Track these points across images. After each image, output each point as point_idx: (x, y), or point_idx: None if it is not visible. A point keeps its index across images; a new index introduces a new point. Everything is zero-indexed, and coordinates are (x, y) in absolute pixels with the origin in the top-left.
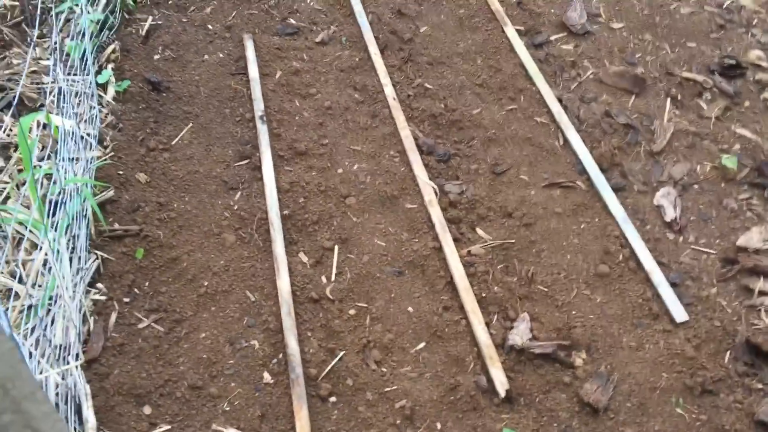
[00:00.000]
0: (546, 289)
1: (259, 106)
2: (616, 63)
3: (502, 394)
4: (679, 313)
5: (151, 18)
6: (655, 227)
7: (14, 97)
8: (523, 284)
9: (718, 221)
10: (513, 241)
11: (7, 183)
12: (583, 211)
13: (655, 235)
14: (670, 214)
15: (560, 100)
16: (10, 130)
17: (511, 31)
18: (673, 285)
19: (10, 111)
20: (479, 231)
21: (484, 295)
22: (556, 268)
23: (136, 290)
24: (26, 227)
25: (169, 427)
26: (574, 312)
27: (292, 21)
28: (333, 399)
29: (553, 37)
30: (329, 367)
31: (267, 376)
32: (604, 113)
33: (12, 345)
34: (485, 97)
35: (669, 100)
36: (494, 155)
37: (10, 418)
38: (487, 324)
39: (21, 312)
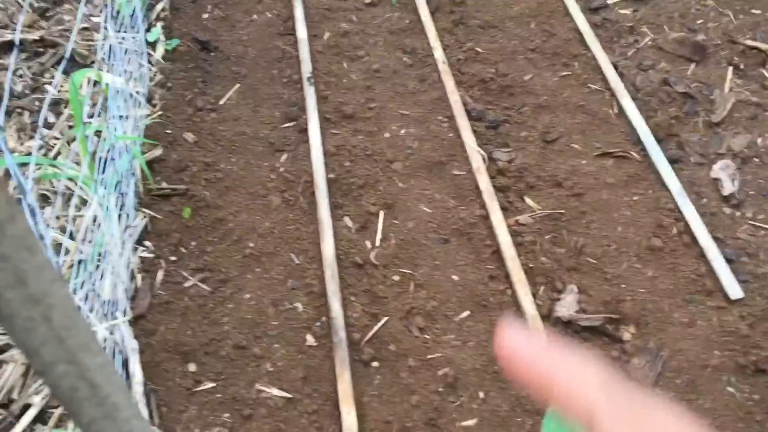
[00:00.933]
0: (595, 262)
1: (306, 68)
2: (676, 29)
3: None
4: (734, 290)
5: None
6: (711, 201)
7: (67, 53)
8: (571, 255)
9: None
10: (562, 211)
11: (57, 139)
12: (637, 182)
13: (711, 209)
14: (727, 187)
15: (616, 67)
16: (61, 86)
17: None
18: (729, 261)
19: (61, 67)
20: (528, 200)
21: (531, 265)
22: (607, 240)
23: (182, 249)
24: (76, 183)
25: (213, 384)
26: (623, 285)
27: None
28: (375, 364)
29: (610, 1)
30: (372, 332)
31: (310, 339)
32: (661, 81)
33: (68, 292)
34: (538, 62)
35: (731, 69)
36: (545, 123)
37: (65, 368)
38: (534, 295)
39: (71, 267)
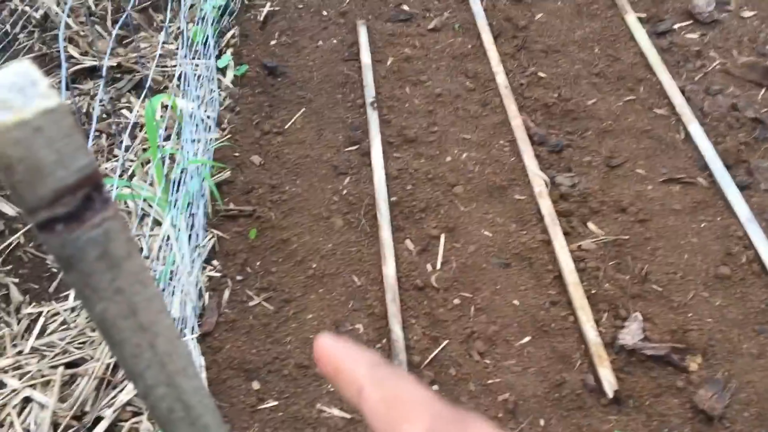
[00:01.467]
0: (660, 289)
1: (370, 93)
2: (746, 53)
3: (610, 394)
4: None
5: (269, 4)
6: None
7: (143, 79)
8: (636, 282)
9: None
10: (627, 237)
11: (132, 161)
12: (704, 209)
13: None
14: None
15: (683, 92)
16: (138, 111)
17: (631, 18)
18: None
19: (142, 93)
20: (591, 225)
21: (593, 291)
22: (672, 268)
23: (248, 269)
24: (150, 205)
25: (276, 403)
26: (690, 314)
27: (405, 7)
28: (435, 387)
29: (677, 26)
30: (432, 355)
31: None
32: (730, 106)
33: (172, 321)
34: (602, 87)
35: None
36: (609, 147)
37: (165, 390)
38: (597, 322)
39: None
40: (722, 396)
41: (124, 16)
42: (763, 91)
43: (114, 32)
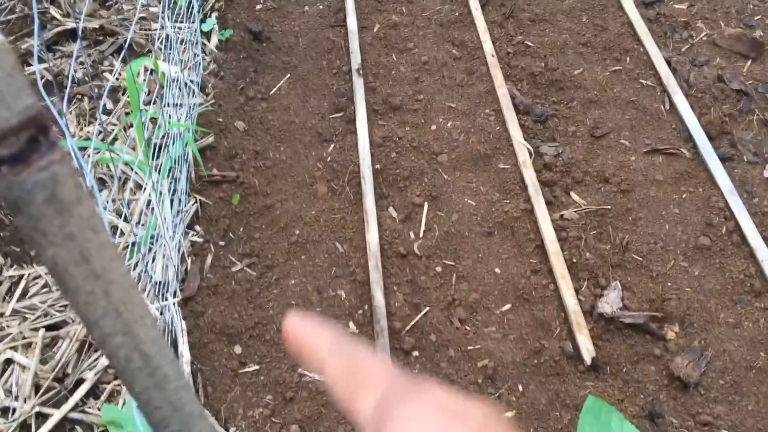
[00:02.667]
0: (641, 259)
1: (356, 59)
2: (733, 25)
3: (588, 361)
4: None
5: None
6: (763, 201)
7: (125, 42)
8: (616, 252)
9: None
10: (609, 207)
11: (115, 125)
12: (686, 180)
13: (762, 208)
14: None
15: (669, 63)
16: (119, 74)
17: None
18: None
19: (120, 55)
20: (573, 195)
21: (574, 260)
22: (653, 238)
23: (231, 234)
24: (132, 168)
25: (257, 367)
26: (669, 284)
27: None
28: (416, 353)
29: None
30: (413, 322)
31: (352, 326)
32: (716, 78)
33: (127, 269)
34: (588, 56)
35: None
36: (594, 118)
37: (122, 339)
38: (576, 290)
39: (125, 249)
40: (698, 364)
41: None
42: (749, 62)
43: None
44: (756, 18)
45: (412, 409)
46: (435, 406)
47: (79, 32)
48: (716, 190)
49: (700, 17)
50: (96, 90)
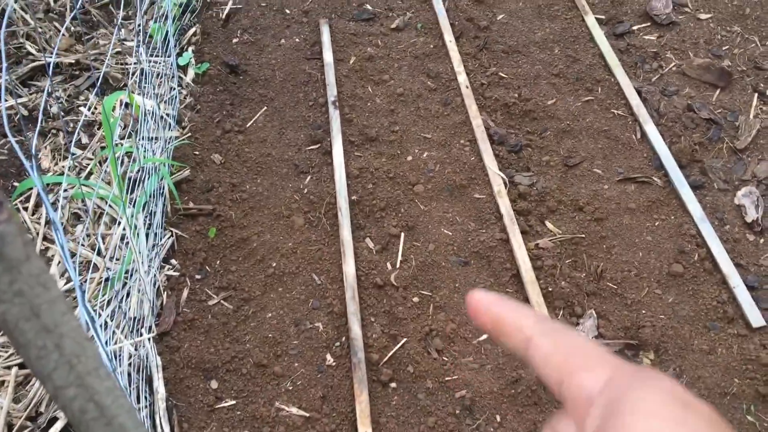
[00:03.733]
0: (615, 287)
1: (332, 92)
2: (701, 55)
3: None
4: (756, 318)
5: (231, 2)
6: (734, 228)
7: (99, 77)
8: (591, 280)
9: None
10: (583, 235)
11: (90, 159)
12: (659, 207)
13: (734, 235)
14: (751, 214)
15: (639, 93)
16: (95, 108)
17: (591, 20)
18: (751, 288)
19: (95, 90)
20: (548, 224)
21: (550, 289)
22: (627, 266)
23: (207, 268)
24: (107, 202)
25: (234, 402)
26: (643, 311)
27: (368, 6)
28: (393, 385)
29: (635, 27)
30: (391, 353)
31: (329, 359)
32: (685, 107)
33: (78, 323)
34: (561, 87)
35: (756, 95)
36: (567, 147)
37: (75, 391)
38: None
39: (99, 284)
40: None
41: (76, 8)
42: (717, 92)
43: (63, 28)
44: (724, 48)
45: (647, 393)
46: (670, 394)
47: (50, 67)
48: (688, 217)
49: (669, 48)
50: (70, 124)
